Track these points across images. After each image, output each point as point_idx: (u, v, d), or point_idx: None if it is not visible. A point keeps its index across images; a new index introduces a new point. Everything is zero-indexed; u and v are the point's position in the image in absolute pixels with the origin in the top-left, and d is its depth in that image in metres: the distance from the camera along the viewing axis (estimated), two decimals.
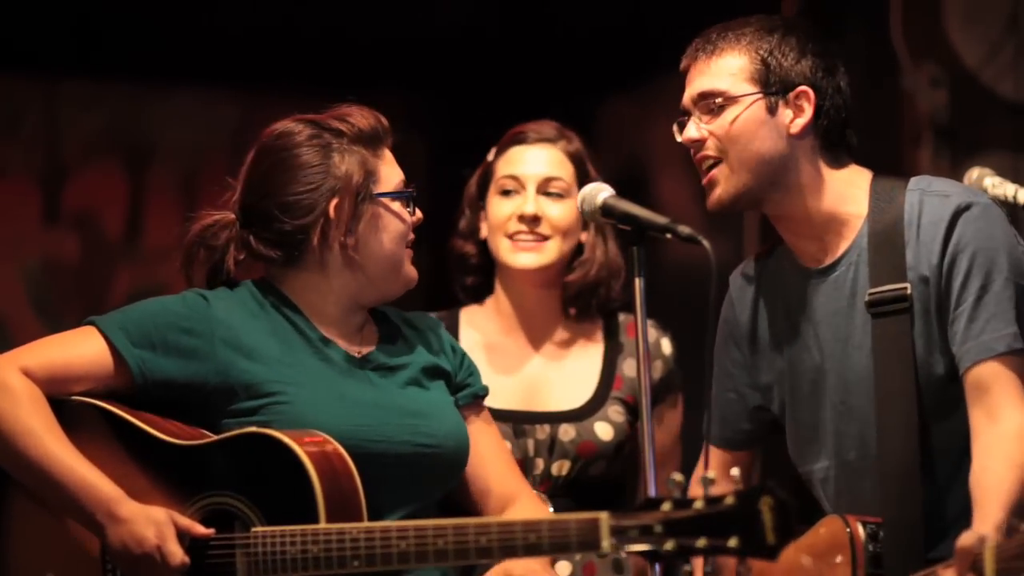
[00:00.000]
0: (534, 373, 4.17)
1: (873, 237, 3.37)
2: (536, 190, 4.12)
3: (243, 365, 3.28)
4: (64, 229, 6.74)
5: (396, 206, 3.42)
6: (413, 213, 3.45)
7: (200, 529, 3.12)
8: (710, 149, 3.41)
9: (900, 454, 3.30)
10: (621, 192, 3.39)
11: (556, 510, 3.94)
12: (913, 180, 3.41)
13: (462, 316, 4.25)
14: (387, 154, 3.46)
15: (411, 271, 3.44)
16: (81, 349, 3.26)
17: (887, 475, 3.30)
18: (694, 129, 3.42)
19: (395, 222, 3.42)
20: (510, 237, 4.13)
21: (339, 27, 6.46)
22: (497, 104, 6.34)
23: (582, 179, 4.08)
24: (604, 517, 2.85)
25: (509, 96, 6.39)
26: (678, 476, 2.83)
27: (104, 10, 6.30)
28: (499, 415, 3.99)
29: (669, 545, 2.79)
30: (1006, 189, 3.66)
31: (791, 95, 3.39)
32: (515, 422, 4.07)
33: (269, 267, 3.43)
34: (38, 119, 6.71)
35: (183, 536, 3.10)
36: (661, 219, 3.26)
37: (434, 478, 3.36)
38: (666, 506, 2.81)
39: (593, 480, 4.11)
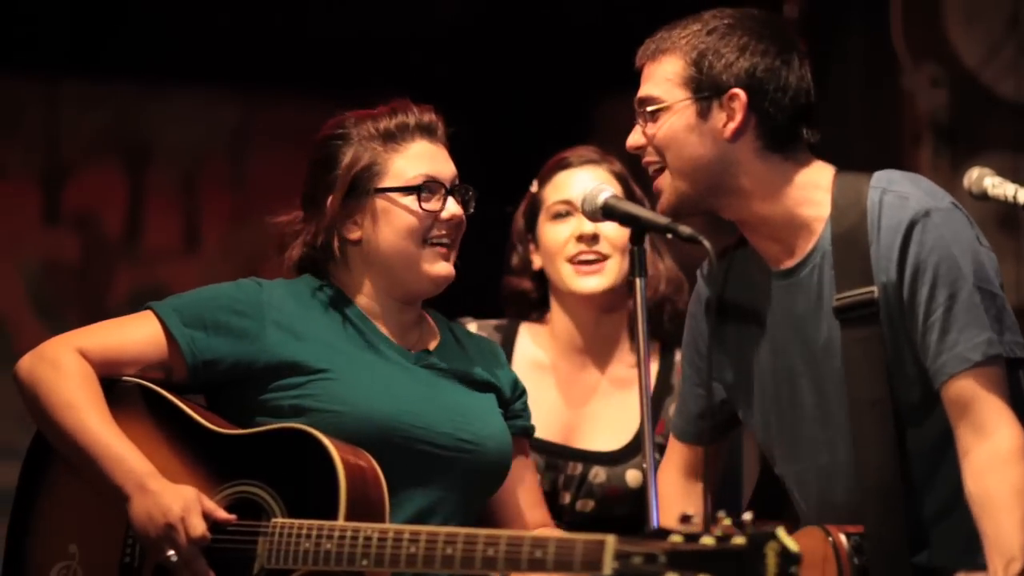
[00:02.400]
0: (578, 406, 4.11)
1: (837, 240, 3.29)
2: None
3: (293, 346, 3.33)
4: (64, 229, 6.75)
5: (407, 201, 3.39)
6: (442, 208, 3.40)
7: (222, 514, 3.17)
8: (651, 155, 3.36)
9: (879, 465, 3.24)
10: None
11: None
12: (875, 176, 3.32)
13: (521, 330, 4.19)
14: (411, 148, 3.42)
15: (432, 268, 3.41)
16: (136, 331, 3.34)
17: (867, 488, 3.25)
18: (635, 136, 3.38)
19: (402, 217, 3.39)
20: (571, 261, 4.06)
21: (339, 28, 6.46)
22: (497, 104, 6.36)
23: (628, 198, 3.95)
24: (611, 540, 2.84)
25: (509, 97, 6.40)
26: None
27: (104, 10, 6.31)
28: (533, 444, 3.97)
29: None
30: (1006, 189, 3.63)
31: (724, 98, 3.30)
32: (548, 455, 4.03)
33: (322, 263, 3.46)
34: (38, 119, 6.72)
35: (205, 517, 3.15)
36: (662, 219, 3.25)
37: (473, 479, 3.37)
38: (675, 538, 2.78)
39: (617, 519, 4.03)
